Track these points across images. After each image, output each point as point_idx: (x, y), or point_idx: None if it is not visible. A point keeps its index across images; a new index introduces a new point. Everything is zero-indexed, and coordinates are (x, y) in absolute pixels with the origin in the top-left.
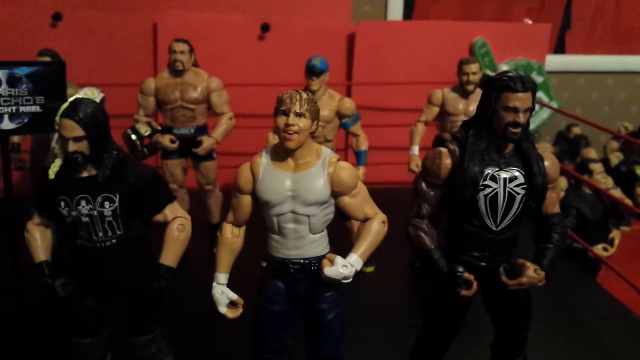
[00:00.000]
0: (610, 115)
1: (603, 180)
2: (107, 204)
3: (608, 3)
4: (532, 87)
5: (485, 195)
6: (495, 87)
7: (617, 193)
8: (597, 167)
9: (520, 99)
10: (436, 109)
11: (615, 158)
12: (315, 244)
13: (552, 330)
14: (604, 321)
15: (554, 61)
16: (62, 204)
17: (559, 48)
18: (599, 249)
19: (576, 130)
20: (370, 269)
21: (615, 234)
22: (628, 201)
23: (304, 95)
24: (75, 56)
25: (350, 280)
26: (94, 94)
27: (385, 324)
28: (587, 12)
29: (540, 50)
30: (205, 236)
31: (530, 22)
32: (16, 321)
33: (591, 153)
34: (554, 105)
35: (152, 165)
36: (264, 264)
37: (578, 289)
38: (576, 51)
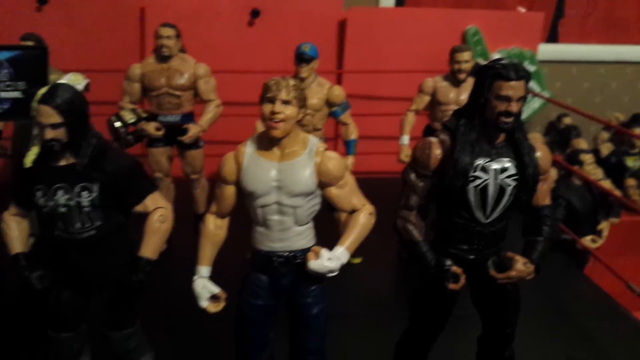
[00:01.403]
0: (601, 105)
1: (593, 172)
2: (85, 193)
3: None
4: (525, 76)
5: (475, 187)
6: (488, 75)
7: (607, 184)
8: (588, 158)
9: (513, 88)
10: (427, 98)
11: (606, 149)
12: (301, 236)
13: (539, 322)
14: (592, 313)
15: (547, 50)
16: (39, 193)
17: (552, 37)
18: (587, 240)
19: (567, 120)
20: (357, 260)
21: (604, 226)
22: (618, 192)
23: (291, 82)
24: (61, 41)
25: (336, 273)
26: (79, 80)
27: (372, 316)
28: (581, 1)
29: (533, 39)
30: (191, 226)
31: (523, 10)
32: None
33: (582, 143)
34: (546, 94)
35: (137, 153)
36: (249, 256)
37: (566, 280)
38: (569, 40)
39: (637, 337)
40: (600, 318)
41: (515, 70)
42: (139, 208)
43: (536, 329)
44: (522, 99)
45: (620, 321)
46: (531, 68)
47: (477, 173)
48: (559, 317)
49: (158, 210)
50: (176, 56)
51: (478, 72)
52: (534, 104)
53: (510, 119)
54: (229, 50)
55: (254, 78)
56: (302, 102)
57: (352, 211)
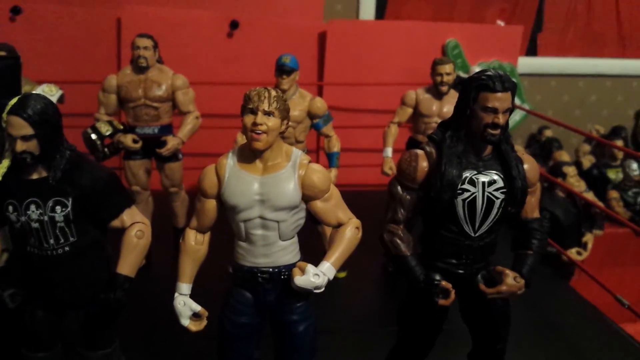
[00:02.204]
0: (581, 118)
1: (577, 184)
2: (58, 208)
3: (579, 6)
4: (511, 87)
5: (464, 200)
6: (474, 87)
7: (589, 196)
8: (571, 171)
9: (499, 99)
10: (409, 110)
11: (587, 161)
12: (285, 252)
13: (526, 334)
14: (578, 325)
15: (526, 63)
16: (10, 208)
17: (531, 50)
18: (572, 252)
19: (548, 132)
20: (342, 274)
21: (588, 238)
22: (601, 205)
23: (273, 93)
24: (35, 51)
25: (323, 290)
26: (52, 91)
27: (358, 332)
28: (559, 15)
29: (512, 52)
30: (170, 241)
31: (502, 23)
32: None
33: (564, 156)
34: (526, 107)
35: (114, 166)
36: (231, 270)
37: (552, 293)
38: (548, 53)
39: (624, 348)
40: (586, 330)
41: (501, 82)
42: (115, 223)
43: (522, 342)
44: (509, 111)
45: (606, 333)
46: None
47: (465, 186)
48: (545, 329)
49: (135, 225)
50: (153, 67)
51: (463, 83)
52: (514, 117)
53: (497, 131)
54: (208, 62)
55: (234, 90)
56: (284, 113)
57: (338, 225)
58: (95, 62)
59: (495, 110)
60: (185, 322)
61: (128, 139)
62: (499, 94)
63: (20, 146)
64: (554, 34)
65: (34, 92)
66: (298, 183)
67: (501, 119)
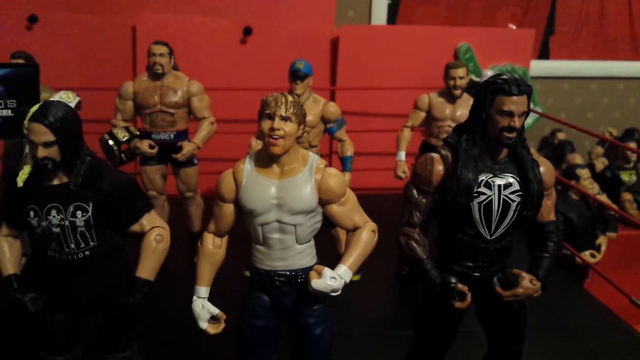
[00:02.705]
0: (594, 121)
1: (590, 186)
2: (79, 213)
3: (591, 9)
4: (527, 90)
5: (480, 203)
6: (490, 90)
7: (603, 199)
8: (584, 173)
9: (515, 103)
10: (423, 114)
11: (600, 164)
12: (302, 255)
13: (540, 337)
14: (592, 328)
15: (538, 66)
16: (32, 213)
17: (543, 53)
18: (586, 255)
19: (560, 135)
20: (356, 278)
21: (602, 240)
22: (615, 207)
23: (290, 98)
24: (52, 59)
25: (339, 292)
26: (70, 98)
27: (373, 335)
28: (571, 18)
29: (524, 56)
30: (186, 245)
31: (514, 27)
32: None
33: (577, 158)
34: (538, 110)
35: (131, 171)
36: (247, 273)
37: (566, 295)
38: (560, 57)
39: (639, 350)
40: (600, 332)
41: (517, 85)
42: (135, 228)
43: (537, 345)
44: (525, 114)
45: (621, 335)
46: None
47: (481, 189)
48: (559, 332)
49: (155, 229)
50: (169, 74)
51: (479, 87)
52: (527, 120)
53: (513, 134)
54: (222, 68)
55: (247, 95)
56: (301, 118)
57: (354, 228)
58: (111, 70)
59: (511, 114)
60: (204, 325)
61: (144, 145)
62: (515, 98)
63: (41, 152)
64: (566, 37)
65: (51, 99)
66: (315, 187)
67: (517, 123)
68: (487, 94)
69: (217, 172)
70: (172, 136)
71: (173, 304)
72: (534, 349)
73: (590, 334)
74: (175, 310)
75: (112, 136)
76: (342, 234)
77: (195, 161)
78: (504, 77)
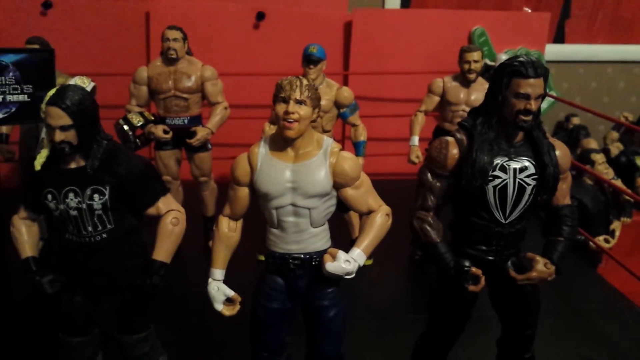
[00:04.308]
0: (609, 105)
1: (605, 171)
2: (96, 196)
3: None
4: (544, 73)
5: (495, 187)
6: (506, 73)
7: (617, 184)
8: (599, 158)
9: (532, 85)
10: (437, 99)
11: (615, 149)
12: (316, 238)
13: (554, 322)
14: (606, 313)
15: (554, 50)
16: (49, 196)
17: (559, 37)
18: (600, 240)
19: (575, 120)
20: (369, 262)
21: (616, 225)
22: (630, 192)
23: (305, 82)
24: (66, 45)
25: (353, 276)
26: (85, 83)
27: (385, 319)
28: (587, 1)
29: (539, 40)
30: (199, 230)
31: (529, 10)
32: (4, 318)
33: (592, 143)
34: (554, 95)
35: (145, 156)
36: (261, 257)
37: (579, 280)
38: (576, 40)
39: None
40: (615, 317)
41: (533, 68)
42: (151, 211)
43: (551, 330)
44: (541, 97)
45: (634, 319)
46: None
47: (496, 172)
48: (574, 317)
49: (171, 212)
50: (183, 59)
51: (495, 69)
52: (542, 104)
53: (529, 117)
54: (235, 53)
55: (260, 80)
56: (316, 102)
57: (369, 212)
58: (124, 55)
59: (527, 97)
60: (219, 306)
61: (159, 130)
62: (531, 80)
63: (59, 136)
64: (582, 21)
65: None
66: (329, 171)
67: (533, 105)
68: (503, 76)
69: (230, 157)
70: (186, 121)
71: (187, 287)
72: (547, 332)
73: (604, 318)
74: (189, 294)
75: (127, 121)
76: (354, 219)
77: (209, 146)
78: (521, 59)
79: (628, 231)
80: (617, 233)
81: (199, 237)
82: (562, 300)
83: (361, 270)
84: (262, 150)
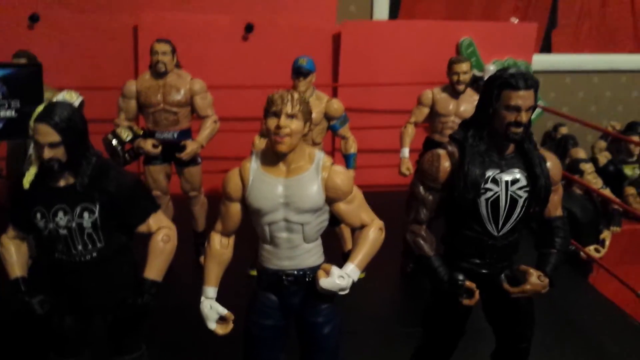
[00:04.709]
0: (596, 115)
1: (594, 181)
2: (86, 214)
3: (593, 2)
4: (534, 85)
5: (487, 199)
6: (496, 85)
7: (606, 193)
8: (588, 167)
9: (522, 97)
10: (426, 110)
11: (604, 158)
12: (310, 254)
13: (546, 332)
14: (598, 323)
15: (541, 60)
16: (38, 215)
17: (545, 47)
18: (590, 250)
19: (563, 130)
20: (361, 275)
21: (606, 235)
22: (619, 201)
23: (296, 96)
24: (53, 58)
25: (347, 291)
26: (73, 98)
27: (378, 332)
28: (573, 11)
29: (527, 50)
30: (190, 245)
31: (516, 21)
32: None
33: (580, 153)
34: (541, 104)
35: (134, 171)
36: (253, 272)
37: (571, 290)
38: (562, 50)
39: None
40: (606, 327)
41: (524, 80)
42: (142, 228)
43: (542, 340)
44: (532, 109)
45: (627, 329)
46: None
47: (488, 185)
48: (565, 327)
49: (162, 230)
50: (172, 72)
51: (486, 81)
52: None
53: (520, 129)
54: (224, 66)
55: (250, 93)
56: (307, 116)
57: (361, 226)
58: (113, 69)
59: (518, 109)
60: (212, 325)
61: (148, 144)
62: (522, 92)
63: (47, 153)
64: (569, 30)
65: (54, 99)
66: (322, 185)
67: (524, 117)
68: (493, 88)
69: (220, 170)
70: (175, 135)
71: (178, 304)
72: (540, 344)
73: (596, 328)
74: (181, 311)
75: (116, 136)
76: (346, 232)
77: (199, 160)
78: (511, 71)
79: (618, 240)
80: (607, 242)
81: (189, 253)
82: (553, 310)
83: (353, 283)
84: (253, 165)
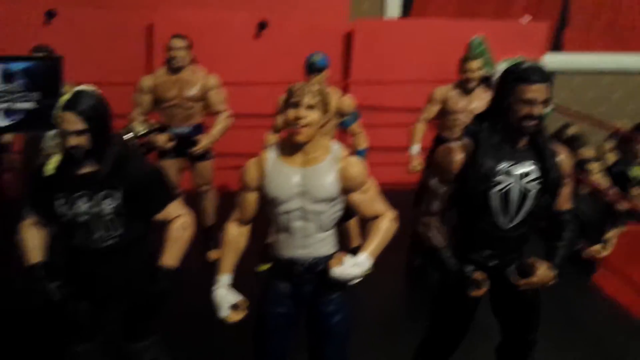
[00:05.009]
0: (606, 115)
1: (601, 180)
2: (108, 201)
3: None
4: (547, 78)
5: (499, 191)
6: (511, 79)
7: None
8: (595, 167)
9: (535, 91)
10: (437, 107)
11: (610, 158)
12: (323, 243)
13: (548, 330)
14: (602, 322)
15: (552, 60)
16: (60, 201)
17: (556, 46)
18: (596, 249)
19: (571, 130)
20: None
21: (611, 234)
22: (627, 201)
23: (316, 87)
24: (70, 54)
25: (360, 280)
26: None
27: (384, 325)
28: (585, 9)
29: (538, 49)
30: (199, 243)
31: (529, 18)
32: (8, 325)
33: (588, 152)
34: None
35: None
36: (263, 267)
37: (575, 290)
38: (574, 49)
39: None
40: (610, 326)
41: (537, 73)
42: (161, 216)
43: (546, 337)
44: (545, 102)
45: (630, 328)
46: None
47: (501, 177)
48: (570, 326)
49: (180, 217)
50: (187, 67)
51: (501, 76)
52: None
53: (533, 122)
54: (238, 63)
55: (263, 90)
56: (326, 107)
57: (375, 217)
58: (128, 65)
59: (532, 102)
60: (225, 312)
61: (162, 139)
62: (535, 86)
63: (72, 141)
64: (580, 29)
65: None
66: (337, 175)
67: (538, 110)
68: (508, 82)
69: (232, 167)
70: (188, 130)
71: (186, 302)
72: (543, 342)
73: (599, 327)
74: (191, 301)
75: (131, 130)
76: (352, 230)
77: (211, 155)
78: (525, 65)
79: (622, 240)
80: (613, 242)
81: (198, 251)
82: (556, 308)
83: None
84: (272, 155)
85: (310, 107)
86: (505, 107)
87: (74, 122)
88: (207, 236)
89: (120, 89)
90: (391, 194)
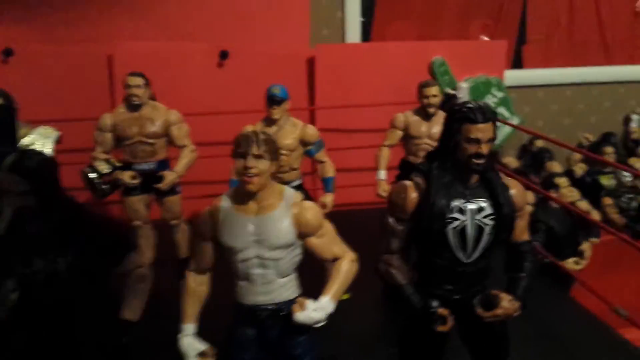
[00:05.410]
0: (571, 127)
1: (570, 194)
2: (60, 260)
3: (562, 16)
4: (492, 117)
5: (454, 228)
6: (456, 119)
7: (584, 205)
8: (563, 181)
9: (481, 130)
10: (399, 133)
11: (580, 169)
12: (285, 288)
13: (526, 346)
14: (578, 335)
15: (513, 76)
16: (12, 262)
17: (517, 63)
18: (570, 262)
19: (539, 143)
20: (346, 296)
21: (585, 247)
22: (595, 213)
23: (261, 136)
24: (29, 92)
25: (324, 323)
26: (49, 133)
27: (361, 354)
28: (542, 26)
29: (498, 66)
30: (172, 272)
31: (487, 39)
32: None
33: (555, 166)
34: (515, 119)
35: (114, 201)
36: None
37: (552, 303)
38: (534, 65)
39: (627, 356)
40: (587, 339)
41: (482, 113)
42: (117, 270)
43: (523, 354)
44: (491, 140)
45: (607, 341)
46: (499, 94)
47: (454, 215)
48: (546, 340)
49: (137, 270)
50: (146, 104)
51: (447, 115)
52: (506, 129)
53: (481, 161)
54: (201, 93)
55: (227, 118)
56: (274, 155)
57: (334, 259)
58: (89, 100)
59: (478, 141)
60: None
61: (126, 176)
62: (481, 125)
63: (19, 201)
64: (539, 46)
65: (31, 135)
66: (292, 221)
67: (484, 149)
68: (454, 122)
69: (201, 196)
70: (153, 166)
71: (163, 329)
72: (520, 357)
73: (577, 341)
74: (166, 336)
75: (94, 169)
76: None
77: (178, 189)
78: (469, 105)
79: (597, 251)
80: (587, 254)
81: (172, 278)
82: (533, 323)
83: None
84: (224, 204)
85: (258, 156)
86: (453, 145)
87: (19, 182)
88: (182, 267)
89: (82, 123)
90: (362, 213)
